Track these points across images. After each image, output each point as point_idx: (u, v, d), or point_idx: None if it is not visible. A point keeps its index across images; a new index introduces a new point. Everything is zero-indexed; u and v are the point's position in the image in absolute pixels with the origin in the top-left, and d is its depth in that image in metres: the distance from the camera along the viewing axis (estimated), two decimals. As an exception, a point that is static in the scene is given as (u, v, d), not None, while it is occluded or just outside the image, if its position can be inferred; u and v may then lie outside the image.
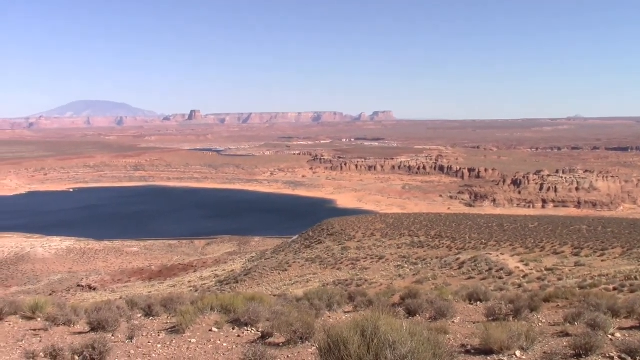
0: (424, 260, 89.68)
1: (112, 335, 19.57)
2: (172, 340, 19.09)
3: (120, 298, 51.78)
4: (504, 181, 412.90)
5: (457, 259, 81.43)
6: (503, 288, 48.36)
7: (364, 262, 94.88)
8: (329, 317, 24.27)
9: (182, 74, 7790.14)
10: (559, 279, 54.76)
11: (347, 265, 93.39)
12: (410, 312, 23.76)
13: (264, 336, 18.87)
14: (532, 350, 16.01)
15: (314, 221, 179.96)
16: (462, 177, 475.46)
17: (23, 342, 19.19)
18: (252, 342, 18.18)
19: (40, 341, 19.18)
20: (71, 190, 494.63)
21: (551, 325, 20.88)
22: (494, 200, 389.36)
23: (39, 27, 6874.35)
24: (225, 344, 18.52)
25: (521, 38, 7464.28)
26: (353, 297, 29.97)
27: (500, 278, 61.30)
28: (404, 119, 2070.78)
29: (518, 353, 15.61)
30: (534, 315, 22.70)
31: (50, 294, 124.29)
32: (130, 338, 19.16)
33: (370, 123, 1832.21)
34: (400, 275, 75.23)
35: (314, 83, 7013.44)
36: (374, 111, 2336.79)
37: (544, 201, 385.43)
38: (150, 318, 23.76)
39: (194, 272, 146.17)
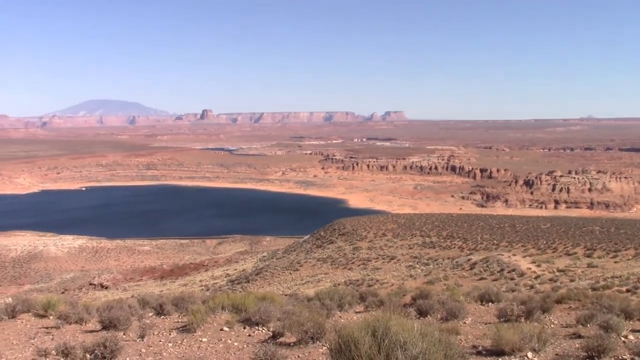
0: (435, 260, 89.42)
1: (124, 334, 19.61)
2: (183, 339, 19.11)
3: (132, 297, 51.93)
4: (516, 182, 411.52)
5: (469, 260, 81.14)
6: (515, 289, 48.17)
7: (376, 262, 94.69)
8: (340, 317, 24.24)
9: (195, 74, 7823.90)
10: (571, 280, 54.46)
11: (358, 265, 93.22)
12: (422, 313, 23.71)
13: (274, 336, 18.86)
14: (544, 352, 15.92)
15: (325, 221, 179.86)
16: (474, 177, 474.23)
17: (35, 339, 19.27)
18: (263, 342, 18.18)
19: (52, 339, 19.25)
20: (84, 189, 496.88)
21: (563, 326, 20.78)
22: (506, 201, 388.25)
23: (53, 27, 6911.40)
24: (236, 344, 18.52)
25: (534, 38, 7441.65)
26: (364, 297, 29.93)
27: (512, 279, 61.01)
28: (416, 119, 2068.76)
29: (530, 354, 15.54)
30: (545, 317, 22.59)
31: (63, 292, 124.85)
32: (142, 337, 19.20)
33: (382, 123, 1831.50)
34: (411, 276, 75.03)
35: (326, 83, 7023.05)
36: (386, 111, 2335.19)
37: (557, 202, 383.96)
38: (162, 317, 23.81)
39: (206, 271, 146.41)
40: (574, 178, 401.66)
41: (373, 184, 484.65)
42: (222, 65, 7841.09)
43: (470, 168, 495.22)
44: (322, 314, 21.99)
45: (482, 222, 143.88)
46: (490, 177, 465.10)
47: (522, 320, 21.61)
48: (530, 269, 67.10)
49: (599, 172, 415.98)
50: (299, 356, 16.60)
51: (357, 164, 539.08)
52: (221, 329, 20.25)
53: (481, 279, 64.52)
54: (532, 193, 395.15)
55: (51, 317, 22.96)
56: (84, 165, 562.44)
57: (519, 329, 16.30)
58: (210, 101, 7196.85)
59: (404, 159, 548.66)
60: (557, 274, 61.52)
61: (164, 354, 17.51)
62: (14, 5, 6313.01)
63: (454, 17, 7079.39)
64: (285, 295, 44.72)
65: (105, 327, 20.60)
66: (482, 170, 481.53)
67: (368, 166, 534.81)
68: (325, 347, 16.23)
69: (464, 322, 22.13)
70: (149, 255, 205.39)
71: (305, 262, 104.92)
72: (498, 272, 67.57)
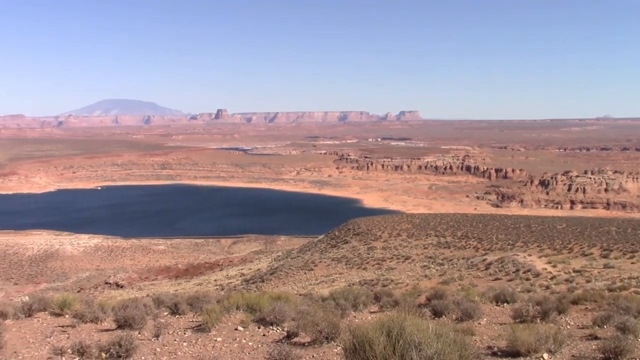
0: (450, 260, 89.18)
1: (139, 333, 19.68)
2: (198, 339, 19.16)
3: (147, 296, 52.16)
4: (532, 182, 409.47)
5: (484, 260, 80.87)
6: (530, 290, 47.99)
7: (390, 262, 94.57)
8: (355, 317, 24.23)
9: (209, 74, 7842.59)
10: (588, 281, 54.15)
11: (373, 265, 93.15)
12: (437, 313, 23.65)
13: (289, 335, 18.87)
14: (560, 353, 15.83)
15: (340, 221, 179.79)
16: (489, 177, 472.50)
17: (51, 338, 19.38)
18: (278, 342, 18.20)
19: (68, 338, 19.35)
20: (99, 188, 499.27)
21: (579, 328, 20.66)
22: (521, 201, 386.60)
23: (69, 27, 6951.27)
24: (250, 343, 18.55)
25: (549, 38, 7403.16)
26: (379, 297, 29.90)
27: (528, 279, 60.74)
28: (431, 119, 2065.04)
29: (545, 356, 15.45)
30: (561, 318, 22.48)
31: (78, 291, 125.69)
32: (157, 336, 19.26)
33: (397, 123, 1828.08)
34: (426, 276, 74.89)
35: (341, 83, 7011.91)
36: (401, 111, 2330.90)
37: (572, 202, 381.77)
38: (177, 316, 23.90)
39: (220, 270, 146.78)
40: (590, 178, 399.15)
41: (388, 183, 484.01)
42: (237, 65, 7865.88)
43: (485, 168, 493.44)
44: (336, 314, 21.98)
45: (497, 222, 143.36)
46: (505, 177, 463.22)
47: (538, 321, 21.52)
48: (545, 269, 66.76)
49: (615, 172, 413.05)
50: (313, 356, 16.60)
51: (371, 164, 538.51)
52: (236, 329, 20.28)
53: (496, 279, 64.29)
54: (547, 193, 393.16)
55: (67, 316, 23.09)
56: (99, 165, 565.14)
57: (534, 330, 16.22)
58: (225, 101, 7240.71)
59: (419, 158, 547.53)
60: (573, 274, 61.18)
61: (179, 353, 17.56)
62: (30, 7, 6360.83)
63: (469, 18, 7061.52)
64: (300, 295, 44.75)
65: (120, 326, 20.69)
66: (497, 170, 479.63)
67: (383, 166, 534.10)
68: (340, 347, 16.20)
69: (479, 323, 22.06)
70: (164, 254, 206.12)
71: (320, 261, 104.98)
72: (513, 272, 67.28)
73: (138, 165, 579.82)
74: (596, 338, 18.11)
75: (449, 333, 11.57)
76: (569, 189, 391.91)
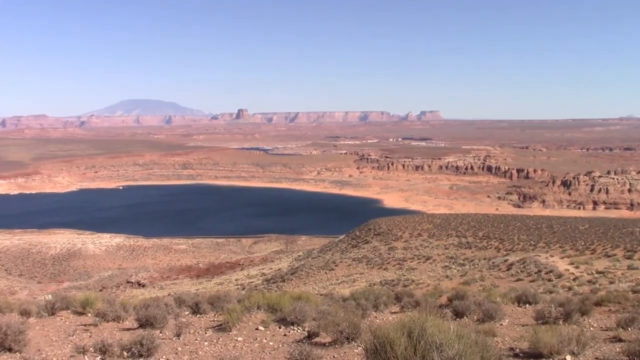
0: (471, 261, 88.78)
1: (160, 332, 19.78)
2: (219, 338, 19.22)
3: (168, 295, 52.41)
4: (554, 182, 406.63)
5: (506, 261, 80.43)
6: (553, 291, 47.67)
7: (411, 262, 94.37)
8: (376, 317, 24.20)
9: (230, 74, 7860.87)
10: (611, 283, 53.66)
11: (393, 266, 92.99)
12: (458, 314, 23.55)
13: (310, 335, 18.87)
14: (583, 355, 15.69)
15: (360, 221, 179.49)
16: (511, 177, 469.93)
17: (74, 336, 19.54)
18: (298, 342, 18.21)
19: (90, 336, 19.50)
20: (121, 187, 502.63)
21: (603, 330, 20.48)
22: (543, 201, 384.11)
23: (91, 27, 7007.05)
24: (271, 343, 18.58)
25: (571, 36, 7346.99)
26: (400, 297, 29.85)
27: (550, 280, 60.30)
28: (452, 119, 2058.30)
29: (568, 358, 15.31)
30: (585, 319, 22.29)
31: (100, 290, 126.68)
32: (178, 335, 19.34)
33: (418, 123, 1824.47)
34: (447, 276, 74.60)
35: (361, 83, 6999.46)
36: (421, 111, 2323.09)
37: (595, 203, 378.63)
38: (198, 315, 24.01)
39: (241, 270, 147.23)
40: (613, 178, 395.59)
41: (408, 183, 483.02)
42: (258, 65, 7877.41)
43: (507, 168, 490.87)
44: (357, 314, 21.98)
45: (519, 222, 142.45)
46: (527, 177, 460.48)
47: (561, 322, 21.36)
48: (568, 270, 66.25)
49: (639, 172, 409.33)
50: (334, 356, 16.59)
51: (392, 164, 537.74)
52: (256, 329, 20.33)
53: (518, 280, 63.90)
54: (569, 193, 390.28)
55: (89, 315, 23.30)
56: (121, 165, 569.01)
57: (557, 332, 16.08)
58: (245, 101, 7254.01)
59: (440, 158, 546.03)
60: (596, 275, 60.63)
61: (200, 352, 17.63)
62: (53, 8, 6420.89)
63: (492, 17, 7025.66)
64: (321, 294, 44.80)
65: (142, 325, 20.81)
66: (518, 171, 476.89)
67: (403, 166, 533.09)
68: (361, 348, 16.16)
69: (501, 324, 21.94)
70: (185, 253, 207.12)
71: (341, 261, 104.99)
72: (535, 273, 66.83)
73: (159, 165, 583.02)
74: (620, 340, 17.92)
75: (471, 334, 11.52)
76: (592, 190, 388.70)
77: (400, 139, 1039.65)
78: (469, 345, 10.94)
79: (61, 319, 22.68)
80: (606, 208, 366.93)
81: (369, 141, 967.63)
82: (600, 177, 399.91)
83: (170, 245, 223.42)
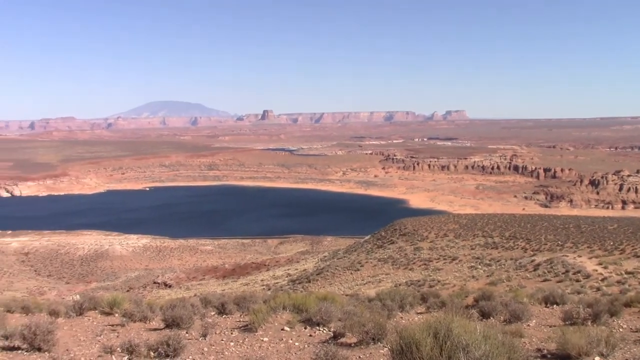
0: (498, 261, 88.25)
1: (186, 332, 19.90)
2: (245, 339, 19.27)
3: (195, 295, 52.69)
4: (581, 181, 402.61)
5: (532, 261, 79.85)
6: (580, 291, 47.27)
7: (437, 262, 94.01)
8: (401, 318, 24.15)
9: (256, 75, 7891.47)
10: (640, 283, 53.07)
11: (419, 266, 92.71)
12: (484, 314, 23.42)
13: (335, 336, 18.87)
14: (612, 357, 15.51)
15: (386, 221, 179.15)
16: (538, 177, 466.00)
17: (101, 336, 19.72)
18: (324, 342, 18.21)
19: (118, 336, 19.66)
20: (147, 189, 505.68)
21: (633, 331, 20.25)
22: (571, 201, 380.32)
23: (118, 30, 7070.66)
24: (297, 344, 18.60)
25: (599, 34, 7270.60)
26: (425, 298, 29.77)
27: (578, 281, 59.77)
28: (478, 118, 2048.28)
29: (597, 359, 15.15)
30: (614, 321, 22.05)
31: (128, 291, 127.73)
32: (204, 335, 19.43)
33: (443, 122, 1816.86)
34: (473, 277, 74.22)
35: (386, 83, 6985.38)
36: (447, 110, 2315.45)
37: (624, 202, 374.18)
38: (224, 316, 24.11)
39: (267, 270, 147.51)
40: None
41: (434, 183, 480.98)
42: (283, 66, 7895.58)
43: (534, 167, 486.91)
44: (383, 315, 21.94)
45: (546, 222, 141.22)
46: (554, 176, 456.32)
47: (589, 323, 21.14)
48: (596, 270, 65.60)
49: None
50: (359, 357, 16.57)
51: (418, 164, 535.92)
52: (282, 329, 20.37)
53: (545, 280, 63.39)
54: (598, 193, 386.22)
55: (116, 315, 23.50)
56: (147, 166, 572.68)
57: (585, 333, 15.92)
58: (271, 102, 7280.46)
59: (466, 158, 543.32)
60: (625, 276, 59.97)
61: (226, 353, 17.69)
62: (80, 12, 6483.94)
63: (517, 15, 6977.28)
64: (346, 295, 44.79)
65: (168, 326, 20.95)
66: (545, 170, 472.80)
67: (429, 166, 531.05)
68: (387, 349, 16.14)
69: (528, 325, 21.79)
70: (212, 254, 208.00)
71: (366, 262, 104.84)
72: (563, 273, 66.26)
73: (185, 166, 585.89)
74: (650, 341, 17.72)
75: (497, 335, 11.45)
76: (621, 189, 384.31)
77: (425, 139, 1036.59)
78: (495, 346, 10.87)
79: (89, 319, 22.92)
80: (635, 207, 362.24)
81: (394, 141, 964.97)
82: (629, 176, 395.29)
83: (196, 246, 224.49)
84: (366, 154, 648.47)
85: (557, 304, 27.25)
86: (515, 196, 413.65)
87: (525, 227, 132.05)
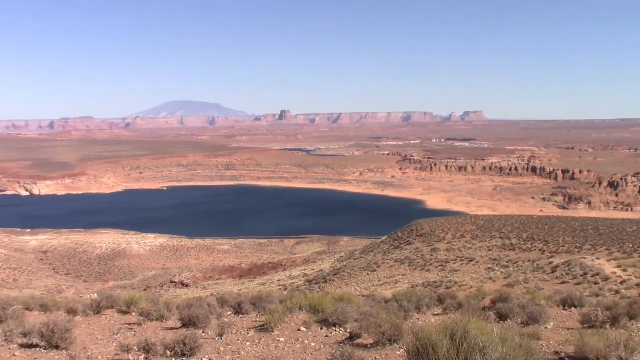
0: (515, 263, 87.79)
1: (203, 332, 19.94)
2: (261, 339, 19.29)
3: (211, 295, 52.80)
4: (600, 183, 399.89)
5: (550, 263, 79.33)
6: (599, 294, 46.88)
7: (454, 264, 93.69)
8: (418, 319, 24.06)
9: (273, 75, 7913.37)
10: (660, 286, 52.60)
11: (436, 267, 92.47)
12: (501, 317, 23.29)
13: (352, 337, 18.84)
14: (632, 361, 15.35)
15: (403, 222, 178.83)
16: (556, 178, 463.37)
17: (118, 335, 19.81)
18: (340, 343, 18.20)
19: (135, 335, 19.75)
20: (165, 188, 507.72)
21: (652, 334, 20.04)
22: (589, 203, 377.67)
23: (136, 30, 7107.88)
24: (313, 344, 18.58)
25: (618, 32, 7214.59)
26: (442, 299, 29.65)
27: (596, 283, 59.30)
28: (496, 119, 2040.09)
29: (616, 363, 15.01)
30: (633, 324, 21.85)
31: (145, 290, 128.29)
32: (220, 335, 19.47)
33: (461, 123, 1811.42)
34: (490, 278, 73.87)
35: (404, 83, 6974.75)
36: (465, 111, 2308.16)
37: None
38: (240, 316, 24.13)
39: (284, 270, 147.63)
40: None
41: (451, 185, 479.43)
42: (301, 66, 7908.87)
43: (552, 169, 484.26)
44: (399, 316, 21.88)
45: (564, 224, 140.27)
46: (572, 178, 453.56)
47: (608, 326, 20.98)
48: (615, 273, 65.06)
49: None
50: (376, 358, 16.54)
51: (435, 165, 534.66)
52: (298, 329, 20.36)
53: (563, 282, 62.96)
54: (617, 195, 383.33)
55: (134, 314, 23.59)
56: (165, 166, 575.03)
57: (604, 336, 15.78)
58: (288, 102, 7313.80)
59: (483, 159, 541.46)
60: (645, 279, 59.47)
61: (242, 352, 17.71)
62: (99, 14, 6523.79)
63: (536, 15, 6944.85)
64: (363, 296, 44.71)
65: (185, 325, 21.01)
66: (564, 172, 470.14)
67: (446, 167, 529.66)
68: (403, 350, 16.10)
69: (546, 327, 21.64)
70: (228, 254, 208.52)
71: (383, 263, 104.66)
72: (581, 276, 65.77)
73: (203, 166, 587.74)
74: (670, 345, 17.51)
75: (515, 337, 11.39)
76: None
77: (443, 140, 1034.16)
78: (512, 349, 10.81)
79: (106, 318, 23.03)
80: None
81: (411, 142, 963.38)
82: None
83: (213, 245, 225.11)
84: (383, 154, 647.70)
85: (575, 307, 27.06)
86: (533, 198, 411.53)
87: (543, 228, 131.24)
